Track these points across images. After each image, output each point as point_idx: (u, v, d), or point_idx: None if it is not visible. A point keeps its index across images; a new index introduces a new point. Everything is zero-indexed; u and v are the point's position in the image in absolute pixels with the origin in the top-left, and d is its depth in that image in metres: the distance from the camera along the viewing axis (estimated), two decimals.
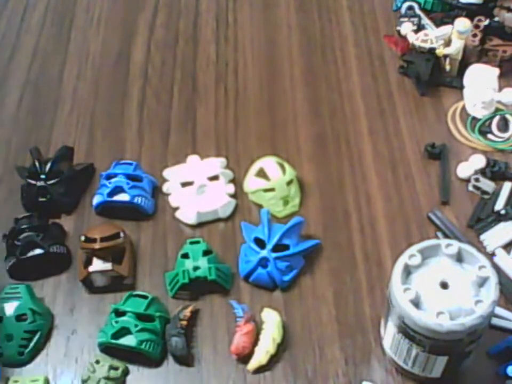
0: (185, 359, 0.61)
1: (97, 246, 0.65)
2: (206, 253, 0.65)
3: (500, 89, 0.77)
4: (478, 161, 0.72)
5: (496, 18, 0.81)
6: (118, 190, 0.70)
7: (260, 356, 0.60)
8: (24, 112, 0.81)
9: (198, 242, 0.66)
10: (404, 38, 0.82)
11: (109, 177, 0.71)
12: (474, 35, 0.80)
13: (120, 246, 0.66)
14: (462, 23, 0.77)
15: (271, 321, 0.62)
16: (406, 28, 0.82)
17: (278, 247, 0.65)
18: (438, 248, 0.55)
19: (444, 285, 0.54)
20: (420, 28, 0.83)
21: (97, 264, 0.65)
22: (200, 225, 0.70)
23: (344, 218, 0.70)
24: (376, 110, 0.79)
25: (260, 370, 0.60)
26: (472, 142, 0.75)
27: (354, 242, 0.68)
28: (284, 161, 0.72)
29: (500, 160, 0.73)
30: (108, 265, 0.65)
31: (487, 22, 0.81)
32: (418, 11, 0.85)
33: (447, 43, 0.79)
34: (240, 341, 0.60)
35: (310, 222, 0.69)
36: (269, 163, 0.72)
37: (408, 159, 0.75)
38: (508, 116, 0.77)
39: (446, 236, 0.67)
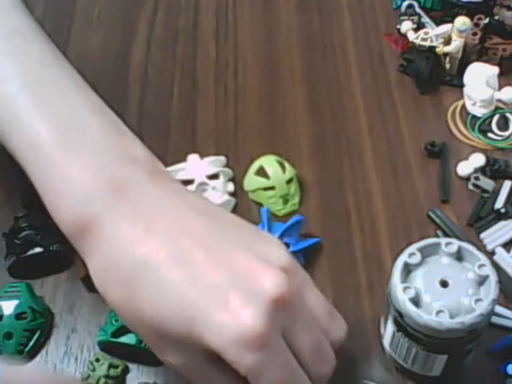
0: None
1: None
2: None
3: (500, 87, 0.77)
4: (478, 159, 0.72)
5: (496, 17, 0.81)
6: None
7: None
8: None
9: None
10: (404, 36, 0.82)
11: None
12: (474, 33, 0.80)
13: None
14: (462, 22, 0.77)
15: None
16: (406, 26, 0.82)
17: None
18: (438, 247, 0.55)
19: (444, 283, 0.54)
20: (419, 26, 0.83)
21: None
22: None
23: (344, 217, 0.70)
24: (376, 109, 0.79)
25: None
26: (472, 140, 0.75)
27: (354, 241, 0.68)
28: (284, 159, 0.72)
29: (500, 159, 0.73)
30: None
31: (487, 20, 0.81)
32: (418, 9, 0.85)
33: (447, 41, 0.79)
34: None
35: (310, 221, 0.69)
36: (268, 161, 0.72)
37: (408, 158, 0.75)
38: (508, 115, 0.76)
39: (445, 235, 0.67)
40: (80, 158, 0.52)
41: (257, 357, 0.43)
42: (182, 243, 0.47)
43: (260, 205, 0.71)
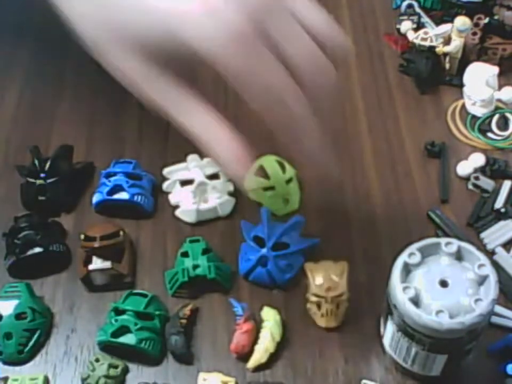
0: (185, 358, 0.61)
1: (97, 244, 0.65)
2: (206, 251, 0.65)
3: (500, 87, 0.77)
4: (478, 159, 0.72)
5: (496, 17, 0.81)
6: (117, 188, 0.70)
7: (260, 354, 0.60)
8: (23, 110, 0.81)
9: (197, 240, 0.66)
10: (404, 36, 0.82)
11: (108, 175, 0.71)
12: (474, 33, 0.80)
13: (120, 244, 0.66)
14: (462, 21, 0.77)
15: (271, 319, 0.62)
16: (406, 26, 0.82)
17: (277, 246, 0.65)
18: (438, 247, 0.55)
19: (444, 283, 0.54)
20: (419, 26, 0.84)
21: (97, 263, 0.65)
22: (199, 223, 0.70)
23: (344, 217, 0.70)
24: (375, 108, 0.79)
25: (259, 368, 0.60)
26: (471, 140, 0.75)
27: (353, 241, 0.68)
28: (284, 159, 0.72)
29: (500, 159, 0.73)
30: (107, 264, 0.65)
31: (486, 20, 0.81)
32: (418, 9, 0.85)
33: (447, 41, 0.79)
34: (240, 339, 0.60)
35: (310, 221, 0.69)
36: (268, 161, 0.71)
37: (407, 157, 0.75)
38: (507, 114, 0.76)
39: (445, 234, 0.67)
40: None
41: (241, 54, 0.44)
42: None
43: (259, 204, 0.71)
